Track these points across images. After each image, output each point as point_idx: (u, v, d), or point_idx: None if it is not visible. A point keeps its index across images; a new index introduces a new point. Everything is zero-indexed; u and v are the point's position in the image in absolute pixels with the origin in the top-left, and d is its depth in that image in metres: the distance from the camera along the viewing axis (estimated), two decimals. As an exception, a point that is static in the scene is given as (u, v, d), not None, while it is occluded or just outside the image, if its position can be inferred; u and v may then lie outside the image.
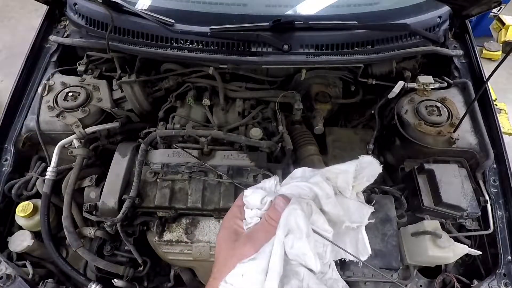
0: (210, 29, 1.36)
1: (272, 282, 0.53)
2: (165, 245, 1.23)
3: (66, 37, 1.67)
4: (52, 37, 1.66)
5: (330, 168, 0.66)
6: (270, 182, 0.69)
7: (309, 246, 0.56)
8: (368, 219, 0.66)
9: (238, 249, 0.60)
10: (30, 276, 1.22)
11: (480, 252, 1.25)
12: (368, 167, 0.66)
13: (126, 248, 1.27)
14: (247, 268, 0.55)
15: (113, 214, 1.20)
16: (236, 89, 1.57)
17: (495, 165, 1.42)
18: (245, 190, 0.68)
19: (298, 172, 0.70)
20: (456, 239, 1.29)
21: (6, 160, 1.40)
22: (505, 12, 4.25)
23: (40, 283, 1.20)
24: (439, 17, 1.59)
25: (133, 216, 1.26)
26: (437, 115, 1.45)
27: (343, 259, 0.69)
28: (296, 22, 1.39)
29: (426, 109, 1.47)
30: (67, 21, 1.72)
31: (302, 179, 0.67)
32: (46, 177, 1.28)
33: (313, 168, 1.45)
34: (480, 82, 1.59)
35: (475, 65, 1.67)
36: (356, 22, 1.41)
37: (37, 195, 1.36)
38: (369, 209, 0.66)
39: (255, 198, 0.65)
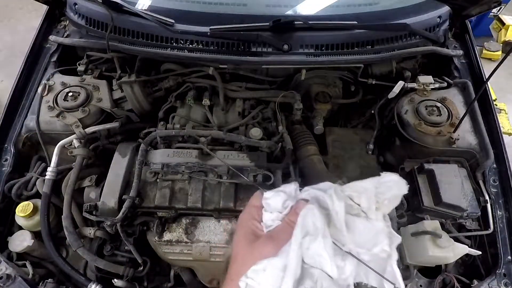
0: (210, 29, 1.36)
1: (287, 282, 0.52)
2: (165, 245, 1.23)
3: (66, 37, 1.67)
4: (52, 37, 1.66)
5: (352, 186, 0.62)
6: (291, 187, 0.67)
7: (324, 246, 0.55)
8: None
9: (258, 248, 0.59)
10: (30, 276, 1.22)
11: (480, 252, 1.25)
12: (391, 186, 0.60)
13: (126, 248, 1.27)
14: (269, 264, 0.55)
15: (113, 214, 1.20)
16: (236, 89, 1.57)
17: (495, 165, 1.42)
18: (264, 193, 0.66)
19: (321, 185, 0.67)
20: (456, 239, 1.29)
21: (6, 160, 1.40)
22: (505, 12, 4.25)
23: (40, 283, 1.20)
24: (439, 17, 1.59)
25: (133, 216, 1.26)
26: (437, 115, 1.45)
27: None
28: (296, 22, 1.39)
29: (426, 109, 1.47)
30: (67, 21, 1.72)
31: (321, 190, 0.65)
32: (46, 177, 1.28)
33: (313, 168, 1.44)
34: (480, 82, 1.59)
35: (475, 65, 1.67)
36: (356, 22, 1.41)
37: (37, 195, 1.36)
38: (397, 238, 0.60)
39: (276, 201, 0.64)
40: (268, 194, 0.66)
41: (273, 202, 0.64)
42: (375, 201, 0.59)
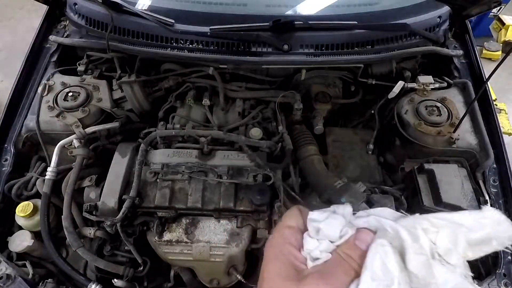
0: (210, 29, 1.36)
1: None
2: (165, 245, 1.23)
3: (66, 37, 1.67)
4: (52, 37, 1.66)
5: (429, 217, 0.45)
6: (345, 210, 0.52)
7: None
8: None
9: None
10: (30, 276, 1.22)
11: (480, 252, 1.25)
12: (486, 224, 0.45)
13: (126, 248, 1.26)
14: None
15: (113, 214, 1.20)
16: (236, 89, 1.57)
17: (495, 165, 1.42)
18: (311, 212, 0.52)
19: (378, 210, 0.52)
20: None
21: (6, 160, 1.40)
22: (505, 12, 4.25)
23: (40, 283, 1.20)
24: (439, 17, 1.59)
25: (133, 216, 1.26)
26: (437, 115, 1.45)
27: None
28: (296, 22, 1.39)
29: (426, 109, 1.47)
30: (67, 21, 1.72)
31: (385, 218, 0.49)
32: (46, 177, 1.28)
33: (313, 168, 1.43)
34: (480, 82, 1.59)
35: (475, 65, 1.67)
36: (356, 22, 1.41)
37: (37, 195, 1.36)
38: None
39: (332, 227, 0.48)
40: (318, 215, 0.51)
41: (328, 228, 0.49)
42: (461, 242, 0.44)
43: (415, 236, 0.43)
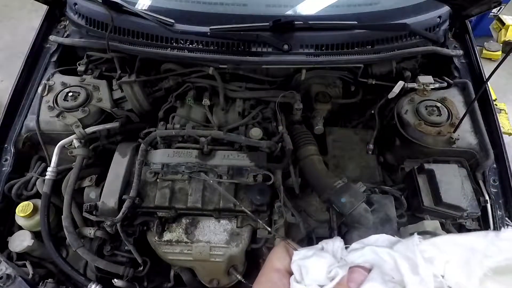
0: (210, 29, 1.36)
1: None
2: (165, 245, 1.23)
3: (66, 37, 1.67)
4: (52, 37, 1.66)
5: (436, 241, 0.38)
6: (334, 244, 0.45)
7: None
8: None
9: None
10: (30, 276, 1.22)
11: (480, 252, 1.25)
12: (508, 248, 0.36)
13: (126, 248, 1.27)
14: None
15: (113, 214, 1.20)
16: (236, 89, 1.57)
17: (495, 165, 1.42)
18: (295, 252, 0.46)
19: (373, 238, 0.45)
20: (456, 239, 1.28)
21: (6, 160, 1.40)
22: (505, 12, 4.25)
23: (40, 283, 1.20)
24: (439, 17, 1.59)
25: (133, 216, 1.26)
26: (437, 115, 1.45)
27: None
28: (296, 22, 1.39)
29: (426, 109, 1.47)
30: (67, 21, 1.72)
31: (382, 247, 0.43)
32: (46, 177, 1.28)
33: (313, 168, 1.43)
34: (480, 82, 1.59)
35: (475, 65, 1.67)
36: (356, 22, 1.41)
37: (37, 195, 1.36)
38: None
39: (317, 268, 0.42)
40: (302, 253, 0.45)
41: (313, 269, 0.42)
42: (476, 272, 0.36)
43: (415, 267, 0.36)
